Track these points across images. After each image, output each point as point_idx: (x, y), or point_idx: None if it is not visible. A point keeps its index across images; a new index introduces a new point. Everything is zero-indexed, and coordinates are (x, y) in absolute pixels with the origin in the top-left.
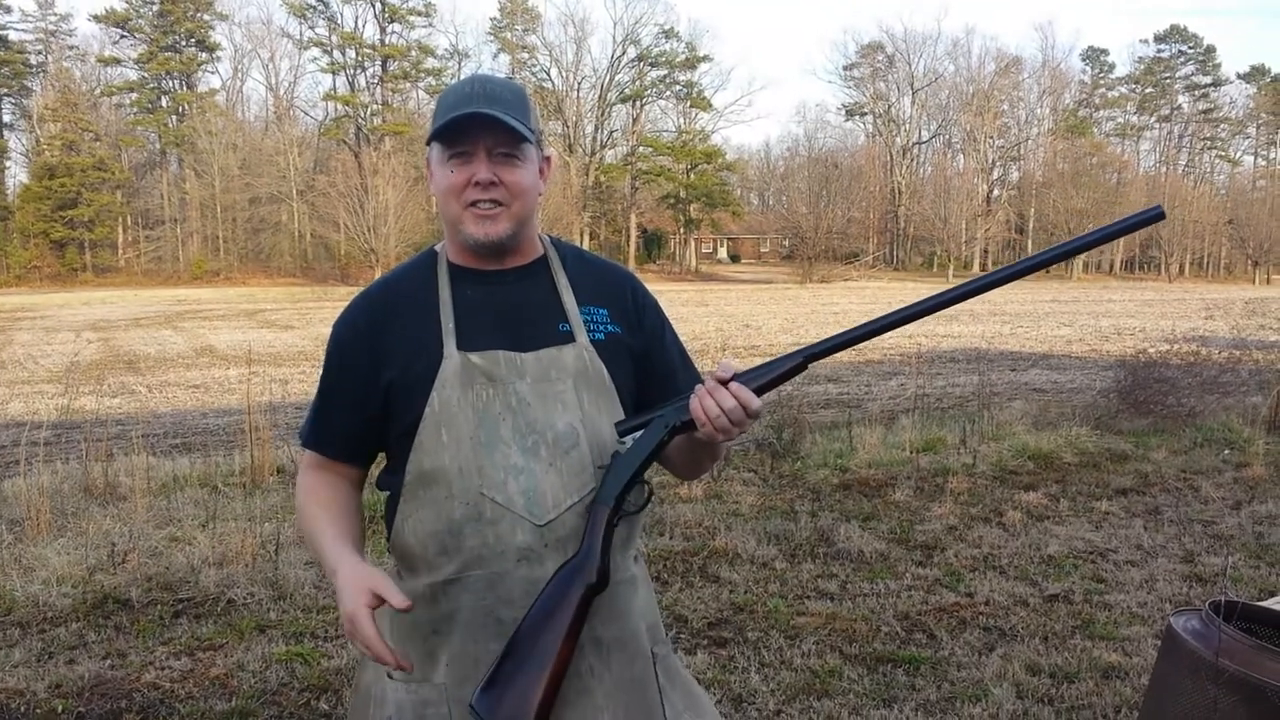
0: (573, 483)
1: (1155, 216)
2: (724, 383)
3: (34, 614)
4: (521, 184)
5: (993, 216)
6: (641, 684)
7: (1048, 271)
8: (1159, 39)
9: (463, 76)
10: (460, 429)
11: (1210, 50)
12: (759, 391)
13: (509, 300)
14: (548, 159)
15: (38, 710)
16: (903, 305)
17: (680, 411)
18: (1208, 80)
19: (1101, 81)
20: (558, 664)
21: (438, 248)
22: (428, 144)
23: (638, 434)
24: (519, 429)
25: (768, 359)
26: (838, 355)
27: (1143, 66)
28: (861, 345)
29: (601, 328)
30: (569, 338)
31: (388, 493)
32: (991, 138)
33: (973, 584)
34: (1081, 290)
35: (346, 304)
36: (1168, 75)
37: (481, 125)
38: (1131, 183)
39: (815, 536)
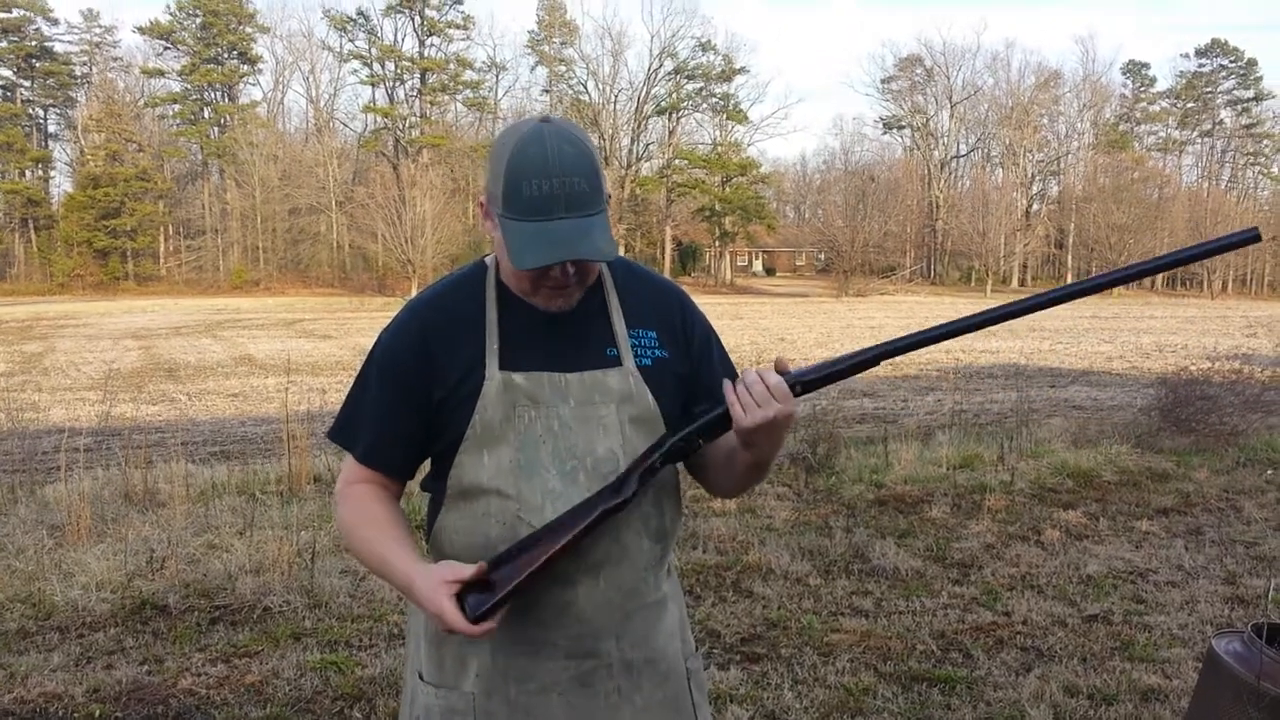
0: None
1: (1251, 238)
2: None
3: (73, 619)
4: (596, 268)
5: (1032, 231)
6: (674, 702)
7: None
8: (1200, 53)
9: (523, 130)
10: (501, 452)
11: (1252, 64)
12: (819, 384)
13: (558, 319)
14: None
15: (75, 714)
16: (979, 311)
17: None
18: (1250, 95)
19: (1142, 95)
20: (557, 552)
21: (488, 260)
22: (490, 208)
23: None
24: (559, 454)
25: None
26: (874, 370)
27: (1184, 80)
28: (897, 360)
29: (649, 352)
30: (615, 361)
31: (429, 494)
32: (1031, 152)
33: (1010, 603)
34: (1122, 306)
35: (394, 315)
36: (1209, 89)
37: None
38: (1173, 198)
39: (850, 553)
